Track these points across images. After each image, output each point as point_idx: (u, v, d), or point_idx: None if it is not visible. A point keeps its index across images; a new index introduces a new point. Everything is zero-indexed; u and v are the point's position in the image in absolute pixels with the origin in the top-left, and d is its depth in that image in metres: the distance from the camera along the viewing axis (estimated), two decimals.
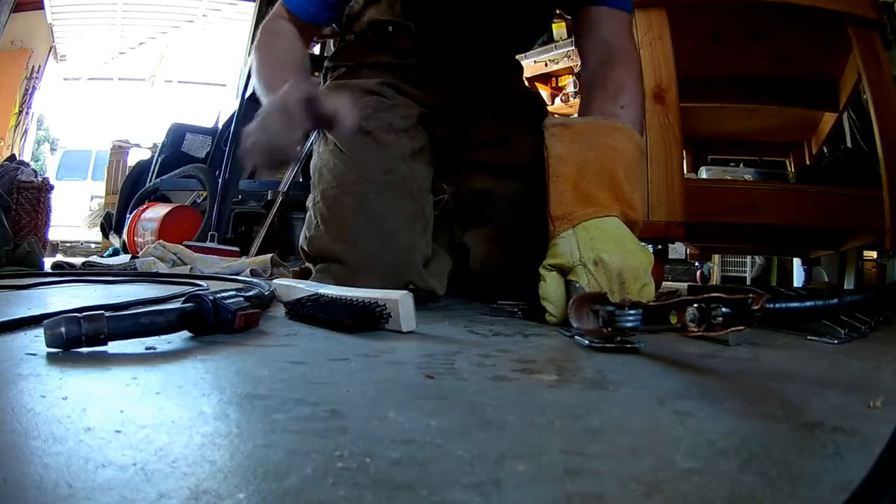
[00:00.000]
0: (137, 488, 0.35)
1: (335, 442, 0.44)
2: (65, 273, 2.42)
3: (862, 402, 0.59)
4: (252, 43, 1.57)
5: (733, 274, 4.45)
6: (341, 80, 1.69)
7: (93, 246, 8.59)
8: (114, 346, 0.78)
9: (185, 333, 0.90)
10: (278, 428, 0.48)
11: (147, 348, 0.81)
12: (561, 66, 4.19)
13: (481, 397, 0.59)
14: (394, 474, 0.38)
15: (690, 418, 0.53)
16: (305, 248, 1.55)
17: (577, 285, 1.07)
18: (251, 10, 6.48)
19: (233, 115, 4.44)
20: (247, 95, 4.08)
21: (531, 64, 4.34)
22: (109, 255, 4.39)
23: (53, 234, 5.88)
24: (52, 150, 13.00)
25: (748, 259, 4.31)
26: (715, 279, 4.36)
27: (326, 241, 1.48)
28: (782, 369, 0.80)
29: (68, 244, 8.61)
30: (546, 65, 4.35)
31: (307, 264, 1.60)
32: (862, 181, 2.18)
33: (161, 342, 0.85)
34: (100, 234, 6.76)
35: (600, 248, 1.09)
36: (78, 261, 3.34)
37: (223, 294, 0.96)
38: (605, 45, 1.42)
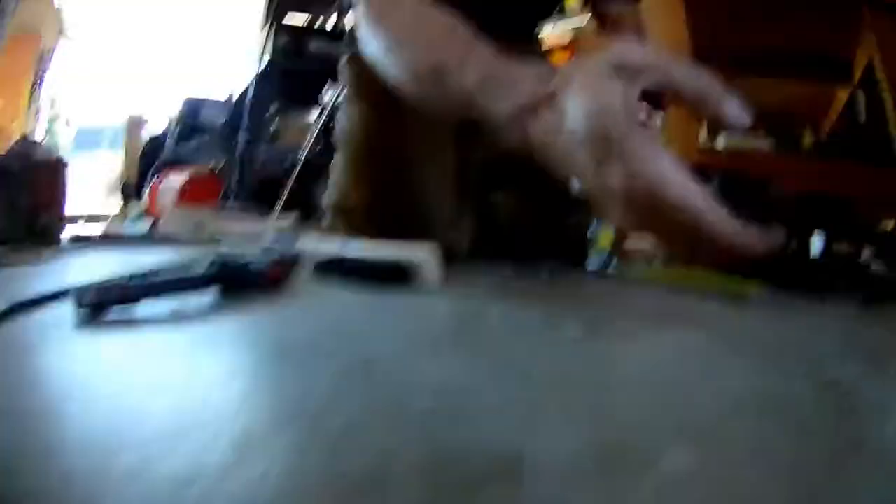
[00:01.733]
0: (185, 435, 0.37)
1: (372, 389, 0.47)
2: (85, 244, 2.44)
3: (878, 365, 0.60)
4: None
5: None
6: None
7: (110, 216, 8.64)
8: (144, 310, 0.79)
9: (214, 293, 0.90)
10: (314, 378, 0.50)
11: (177, 310, 0.82)
12: (578, 34, 4.18)
13: (510, 349, 0.61)
14: (428, 421, 0.41)
15: (712, 371, 0.55)
16: (330, 205, 1.58)
17: None
18: None
19: (251, 84, 4.47)
20: (264, 65, 4.12)
21: (551, 34, 4.33)
22: (128, 224, 4.44)
23: (70, 209, 5.90)
24: (66, 125, 13.11)
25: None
26: None
27: (353, 198, 1.51)
28: (802, 329, 0.81)
29: (84, 217, 8.66)
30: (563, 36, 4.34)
31: (332, 222, 1.63)
32: (876, 156, 2.19)
33: (191, 302, 0.86)
34: (118, 204, 6.82)
35: None
36: (96, 231, 3.36)
37: (251, 254, 0.99)
38: None
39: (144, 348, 0.63)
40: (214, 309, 0.86)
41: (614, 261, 1.22)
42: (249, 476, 0.32)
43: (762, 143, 2.65)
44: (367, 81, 1.63)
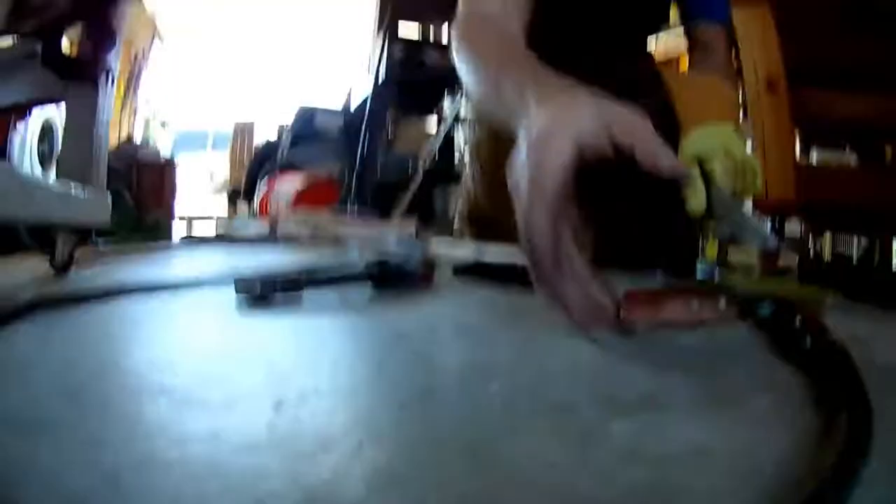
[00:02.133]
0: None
1: (545, 360, 0.61)
2: (199, 242, 2.51)
3: None
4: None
5: (843, 251, 4.46)
6: None
7: (218, 217, 8.81)
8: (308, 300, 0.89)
9: (369, 289, 0.99)
10: (499, 347, 0.64)
11: (342, 300, 0.92)
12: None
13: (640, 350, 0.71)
14: (595, 376, 0.55)
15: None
16: (465, 214, 1.73)
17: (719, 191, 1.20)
18: None
19: (367, 96, 4.57)
20: (381, 79, 4.29)
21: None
22: (239, 224, 4.52)
23: (177, 208, 6.01)
24: (163, 125, 13.31)
25: (854, 238, 4.31)
26: (827, 254, 4.37)
27: (486, 208, 1.69)
28: (865, 327, 0.88)
29: (186, 218, 8.78)
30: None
31: (461, 229, 1.80)
32: None
33: (352, 296, 0.95)
34: (224, 209, 7.00)
35: (727, 141, 1.27)
36: (207, 231, 3.44)
37: (400, 253, 1.10)
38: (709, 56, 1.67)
39: (317, 328, 0.75)
40: (376, 299, 0.97)
41: (718, 270, 1.33)
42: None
43: (848, 159, 2.75)
44: None
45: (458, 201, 1.81)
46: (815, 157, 2.79)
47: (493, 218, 1.66)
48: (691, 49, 1.73)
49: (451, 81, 3.89)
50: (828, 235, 4.34)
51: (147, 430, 0.40)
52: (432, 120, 4.71)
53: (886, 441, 0.41)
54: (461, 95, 3.52)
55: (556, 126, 0.72)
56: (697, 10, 1.72)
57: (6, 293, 1.05)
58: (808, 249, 4.10)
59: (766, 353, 0.67)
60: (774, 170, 2.03)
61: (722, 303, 0.71)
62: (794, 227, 3.71)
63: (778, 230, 2.18)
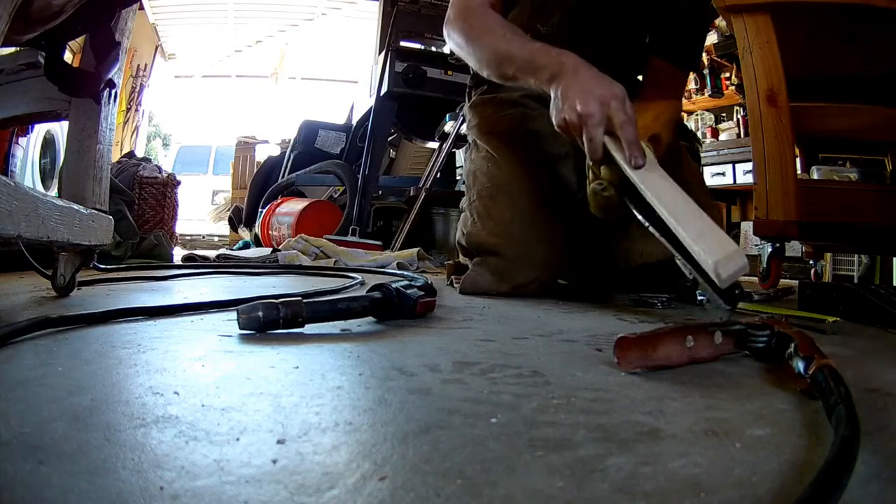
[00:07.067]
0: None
1: (545, 390, 0.62)
2: (209, 266, 2.52)
3: None
4: (459, 34, 1.64)
5: (843, 272, 4.46)
6: (486, 95, 1.86)
7: (216, 239, 8.81)
8: (309, 329, 0.91)
9: (370, 319, 1.02)
10: (499, 382, 0.64)
11: (343, 330, 0.94)
12: None
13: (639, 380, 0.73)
14: (593, 407, 0.56)
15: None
16: (463, 243, 1.74)
17: None
18: (374, 8, 6.58)
19: (369, 111, 4.58)
20: (382, 93, 4.28)
21: None
22: (240, 248, 4.55)
23: (178, 227, 6.03)
24: (165, 145, 13.40)
25: (856, 258, 4.31)
26: (828, 277, 4.36)
27: (483, 236, 1.68)
28: (862, 352, 0.94)
29: (188, 237, 8.78)
30: None
31: (463, 258, 1.80)
32: None
33: (352, 325, 0.98)
34: (226, 227, 7.01)
35: None
36: (207, 253, 3.46)
37: (401, 284, 1.09)
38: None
39: (329, 354, 0.77)
40: (378, 330, 0.97)
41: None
42: None
43: (849, 174, 2.75)
44: (490, 128, 1.78)
45: (458, 227, 1.82)
46: (815, 174, 2.80)
47: (490, 245, 1.67)
48: (644, 77, 1.71)
49: (451, 103, 3.89)
50: (829, 257, 4.35)
51: (153, 460, 0.41)
52: (432, 143, 4.70)
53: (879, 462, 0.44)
54: (461, 118, 3.52)
55: (593, 81, 1.31)
56: (666, 53, 1.70)
57: (8, 312, 1.06)
58: (809, 272, 4.11)
59: (764, 382, 0.69)
60: (775, 189, 2.02)
61: (717, 336, 0.73)
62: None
63: (778, 250, 2.17)
